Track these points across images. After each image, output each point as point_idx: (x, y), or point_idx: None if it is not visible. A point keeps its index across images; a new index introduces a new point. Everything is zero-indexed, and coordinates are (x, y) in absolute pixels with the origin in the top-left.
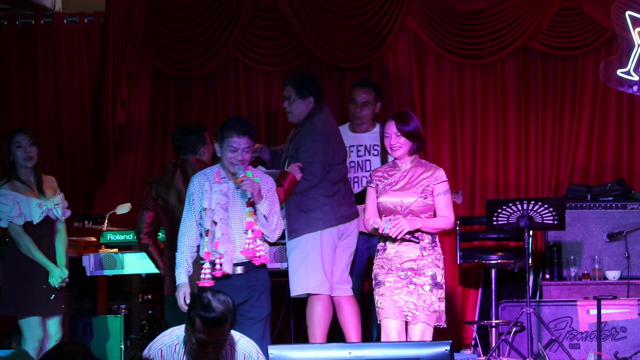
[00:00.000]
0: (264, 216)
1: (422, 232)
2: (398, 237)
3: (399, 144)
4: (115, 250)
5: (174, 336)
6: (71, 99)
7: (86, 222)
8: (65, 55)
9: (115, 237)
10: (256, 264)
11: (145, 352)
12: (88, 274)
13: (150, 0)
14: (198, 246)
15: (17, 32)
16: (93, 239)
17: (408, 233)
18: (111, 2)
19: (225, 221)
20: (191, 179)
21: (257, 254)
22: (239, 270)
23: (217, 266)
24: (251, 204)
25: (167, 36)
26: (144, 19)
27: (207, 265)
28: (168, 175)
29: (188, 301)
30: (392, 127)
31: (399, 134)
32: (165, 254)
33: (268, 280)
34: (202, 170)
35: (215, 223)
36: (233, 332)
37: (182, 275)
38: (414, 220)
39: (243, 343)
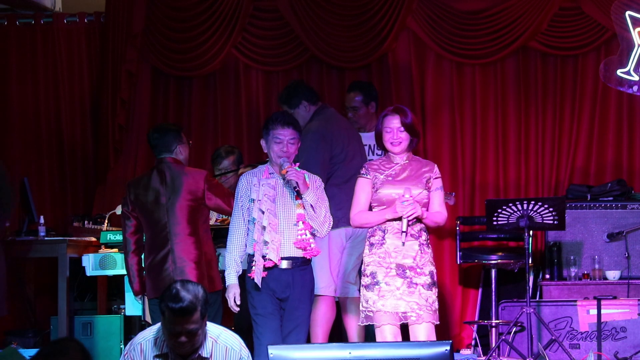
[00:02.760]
0: (311, 206)
1: (423, 223)
2: (408, 218)
3: (400, 139)
4: (115, 250)
5: (153, 330)
6: (71, 99)
7: (86, 222)
8: (65, 55)
9: (115, 237)
10: (307, 257)
11: (127, 347)
12: (88, 274)
13: (150, 0)
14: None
15: (17, 32)
16: (93, 239)
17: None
18: (111, 2)
19: (272, 212)
20: (240, 178)
21: (309, 246)
22: (286, 264)
23: (267, 257)
24: (298, 194)
25: (167, 36)
26: (144, 19)
27: (257, 256)
28: (145, 177)
29: (238, 302)
30: (394, 121)
31: (402, 129)
32: (146, 257)
33: (313, 279)
34: (250, 170)
35: (263, 212)
36: (215, 325)
37: (232, 276)
38: (422, 209)
39: (225, 336)
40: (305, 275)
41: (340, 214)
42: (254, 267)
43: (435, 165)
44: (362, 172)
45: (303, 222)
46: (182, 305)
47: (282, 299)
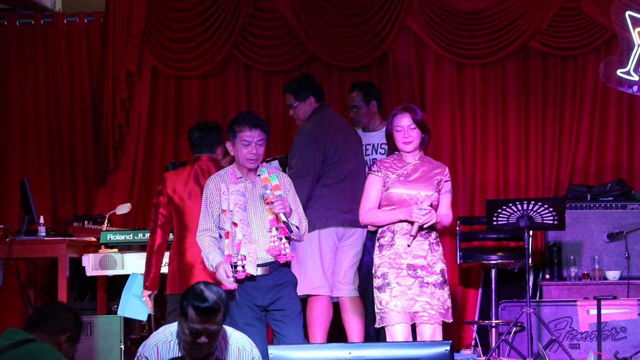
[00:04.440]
0: (296, 227)
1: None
2: (426, 226)
3: (411, 137)
4: (115, 250)
5: (167, 332)
6: (71, 99)
7: (86, 222)
8: (65, 55)
9: (115, 237)
10: (281, 262)
11: (140, 349)
12: (88, 274)
13: (150, 0)
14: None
15: (17, 32)
16: (93, 239)
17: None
18: (111, 2)
19: (245, 221)
20: (207, 182)
21: (283, 252)
22: (263, 271)
23: (240, 268)
24: (286, 225)
25: (167, 36)
26: (144, 19)
27: (229, 266)
28: (184, 172)
29: (230, 275)
30: (405, 119)
31: (414, 126)
32: (172, 252)
33: (294, 276)
34: (217, 172)
35: (236, 224)
36: (225, 326)
37: (216, 256)
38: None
39: (236, 336)
40: (286, 277)
41: (330, 213)
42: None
43: (447, 168)
44: (373, 169)
45: (277, 228)
46: (208, 305)
47: (264, 305)
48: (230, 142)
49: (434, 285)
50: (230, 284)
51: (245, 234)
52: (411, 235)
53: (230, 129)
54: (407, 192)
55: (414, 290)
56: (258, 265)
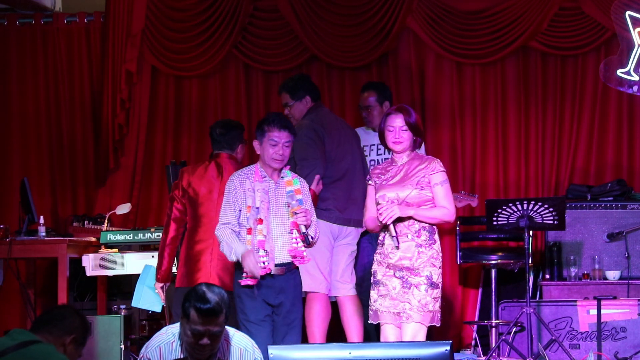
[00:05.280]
0: (311, 237)
1: (417, 220)
2: (387, 223)
3: (402, 138)
4: (115, 250)
5: (169, 334)
6: (71, 99)
7: (86, 222)
8: (65, 55)
9: (115, 237)
10: (296, 264)
11: (143, 350)
12: (88, 274)
13: (150, 0)
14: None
15: (17, 32)
16: (93, 239)
17: (399, 220)
18: (111, 2)
19: (267, 219)
20: (230, 178)
21: (303, 254)
22: (279, 271)
23: (260, 264)
24: (305, 237)
25: (167, 36)
26: (144, 19)
27: None
28: (201, 167)
29: (260, 262)
30: (397, 120)
31: (405, 128)
32: (186, 246)
33: (301, 280)
34: (240, 169)
35: (261, 221)
36: (228, 327)
37: (241, 246)
38: (407, 207)
39: (238, 337)
40: (296, 279)
41: (327, 214)
42: (245, 275)
43: (436, 161)
44: (367, 178)
45: (298, 231)
46: (210, 306)
47: (274, 304)
48: (257, 140)
49: (416, 287)
50: (259, 272)
51: (268, 232)
52: (392, 236)
53: (259, 128)
54: (387, 194)
55: (398, 290)
56: (276, 265)
